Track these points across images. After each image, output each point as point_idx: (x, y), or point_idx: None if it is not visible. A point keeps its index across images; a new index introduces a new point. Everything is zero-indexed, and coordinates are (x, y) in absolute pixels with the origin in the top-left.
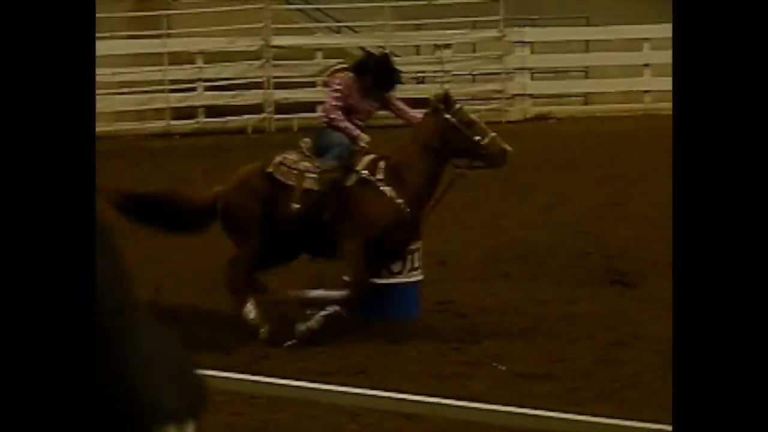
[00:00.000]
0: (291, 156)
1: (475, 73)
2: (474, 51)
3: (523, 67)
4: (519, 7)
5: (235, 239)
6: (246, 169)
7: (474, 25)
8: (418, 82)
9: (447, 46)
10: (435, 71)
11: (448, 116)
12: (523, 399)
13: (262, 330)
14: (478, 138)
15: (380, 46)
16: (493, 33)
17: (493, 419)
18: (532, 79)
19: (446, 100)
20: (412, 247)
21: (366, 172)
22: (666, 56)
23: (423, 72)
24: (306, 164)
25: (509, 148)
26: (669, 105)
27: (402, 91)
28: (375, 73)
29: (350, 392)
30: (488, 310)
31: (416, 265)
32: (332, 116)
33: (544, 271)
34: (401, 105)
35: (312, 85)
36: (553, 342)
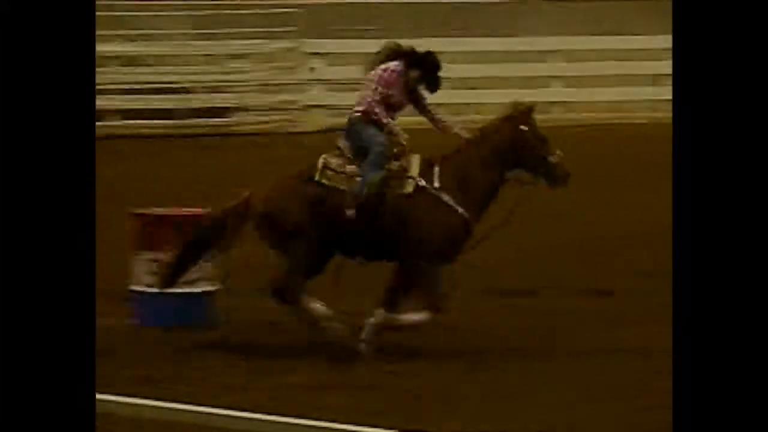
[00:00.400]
0: (333, 159)
1: (270, 83)
2: (270, 61)
3: (319, 79)
4: (316, 19)
5: (281, 248)
6: (287, 175)
7: (270, 36)
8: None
9: (243, 55)
10: (230, 81)
11: (524, 127)
12: (308, 410)
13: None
14: (548, 155)
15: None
16: (289, 44)
17: (272, 429)
18: (329, 90)
19: (528, 112)
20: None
21: (422, 180)
22: (459, 70)
23: (220, 81)
24: (352, 168)
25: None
26: (459, 118)
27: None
28: (427, 69)
29: (132, 403)
30: (277, 322)
31: (205, 275)
32: (376, 111)
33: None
34: (431, 110)
35: (105, 92)
36: (339, 355)
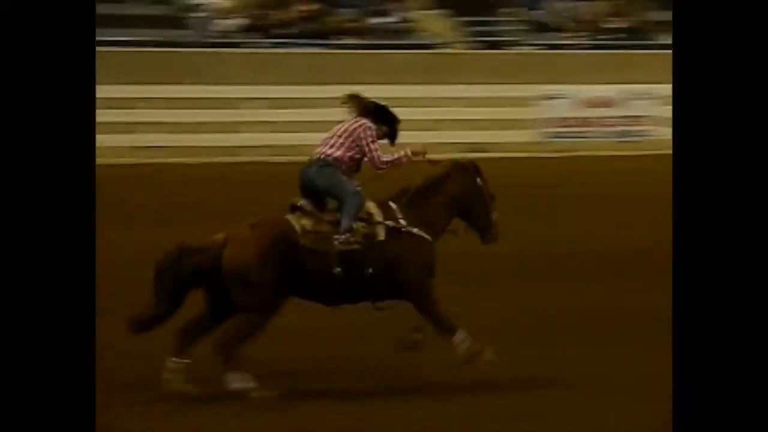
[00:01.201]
0: (305, 221)
1: None
2: None
3: None
4: None
5: (246, 305)
6: (262, 233)
7: None
8: None
9: None
10: None
11: (480, 182)
12: None
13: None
14: (492, 212)
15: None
16: None
17: None
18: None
19: (477, 168)
20: None
21: (390, 222)
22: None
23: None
24: (326, 227)
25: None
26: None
27: None
28: (391, 124)
29: None
30: None
31: None
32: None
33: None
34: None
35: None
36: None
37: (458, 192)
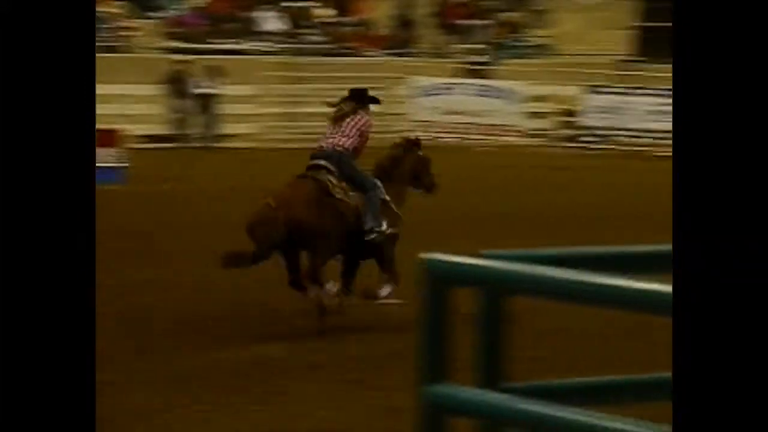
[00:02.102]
0: (333, 179)
1: None
2: None
3: None
4: None
5: (310, 248)
6: (305, 186)
7: None
8: None
9: None
10: None
11: (422, 154)
12: None
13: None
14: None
15: None
16: None
17: None
18: None
19: (418, 143)
20: None
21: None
22: None
23: None
24: (344, 185)
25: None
26: None
27: None
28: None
29: None
30: None
31: None
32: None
33: None
34: None
35: None
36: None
37: (412, 167)
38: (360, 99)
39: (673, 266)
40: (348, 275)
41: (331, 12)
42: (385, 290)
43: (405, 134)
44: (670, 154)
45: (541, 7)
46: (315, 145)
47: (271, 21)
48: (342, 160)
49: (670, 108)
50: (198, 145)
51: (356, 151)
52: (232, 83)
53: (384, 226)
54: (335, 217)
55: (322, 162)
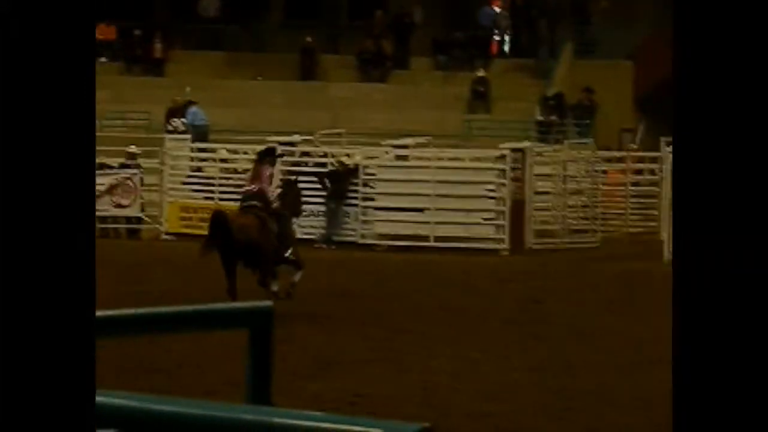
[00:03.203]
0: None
1: None
2: None
3: None
4: None
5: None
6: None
7: None
8: None
9: None
10: None
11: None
12: None
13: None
14: None
15: None
16: None
17: None
18: None
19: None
20: None
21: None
22: None
23: None
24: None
25: None
26: None
27: None
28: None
29: None
30: None
31: None
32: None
33: None
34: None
35: None
36: None
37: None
38: (269, 155)
39: (673, 266)
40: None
41: None
42: (297, 276)
43: None
44: None
45: None
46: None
47: None
48: (267, 199)
49: None
50: None
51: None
52: None
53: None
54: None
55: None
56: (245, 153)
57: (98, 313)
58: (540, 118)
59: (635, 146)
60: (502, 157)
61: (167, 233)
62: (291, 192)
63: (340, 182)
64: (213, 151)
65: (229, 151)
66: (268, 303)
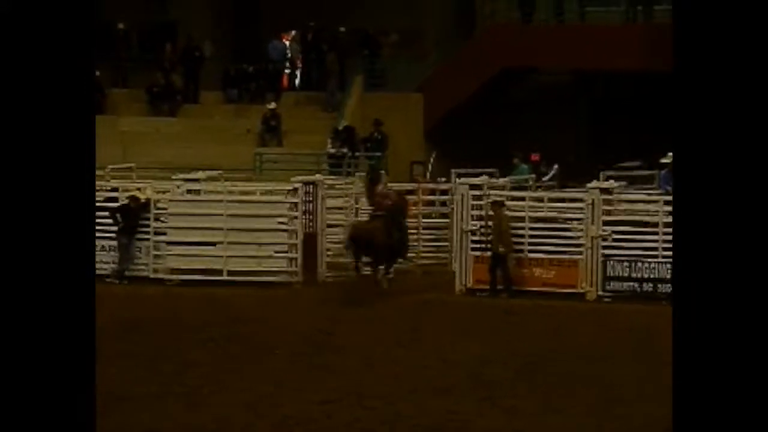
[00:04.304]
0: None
1: None
2: None
3: None
4: None
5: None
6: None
7: None
8: None
9: None
10: None
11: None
12: None
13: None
14: None
15: None
16: None
17: None
18: None
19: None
20: None
21: None
22: None
23: None
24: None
25: None
26: None
27: None
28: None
29: None
30: None
31: None
32: None
33: None
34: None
35: None
36: None
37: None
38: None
39: (673, 266)
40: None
41: None
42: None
43: None
44: None
45: None
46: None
47: None
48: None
49: None
50: None
51: None
52: None
53: None
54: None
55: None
56: None
57: None
58: (331, 150)
59: (426, 178)
60: (294, 190)
61: None
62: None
63: (131, 217)
64: None
65: None
66: None
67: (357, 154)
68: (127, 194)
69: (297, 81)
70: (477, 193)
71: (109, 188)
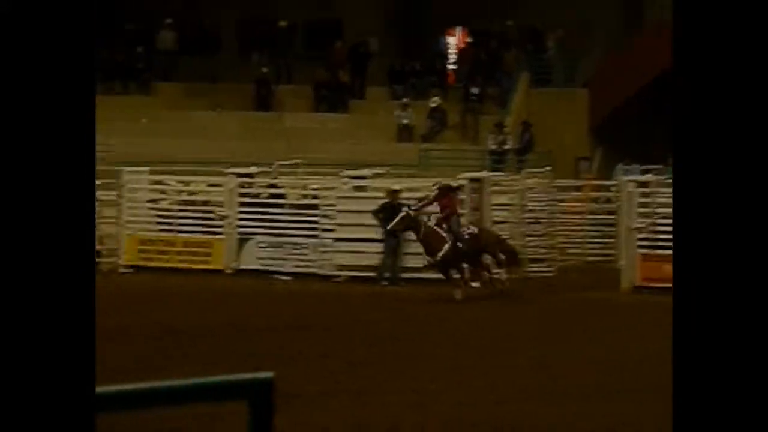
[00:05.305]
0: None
1: None
2: None
3: None
4: None
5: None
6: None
7: None
8: None
9: None
10: None
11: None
12: None
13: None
14: None
15: None
16: None
17: None
18: None
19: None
20: None
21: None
22: None
23: None
24: None
25: None
26: None
27: None
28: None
29: None
30: None
31: None
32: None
33: None
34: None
35: None
36: None
37: None
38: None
39: (673, 267)
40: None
41: None
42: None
43: None
44: None
45: None
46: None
47: None
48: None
49: None
50: None
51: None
52: None
53: None
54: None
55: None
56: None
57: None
58: (493, 147)
59: (591, 174)
60: (459, 187)
61: (125, 266)
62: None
63: (394, 216)
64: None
65: (185, 183)
66: (268, 375)
67: (521, 150)
68: (385, 191)
69: (463, 77)
70: (643, 190)
71: (266, 184)
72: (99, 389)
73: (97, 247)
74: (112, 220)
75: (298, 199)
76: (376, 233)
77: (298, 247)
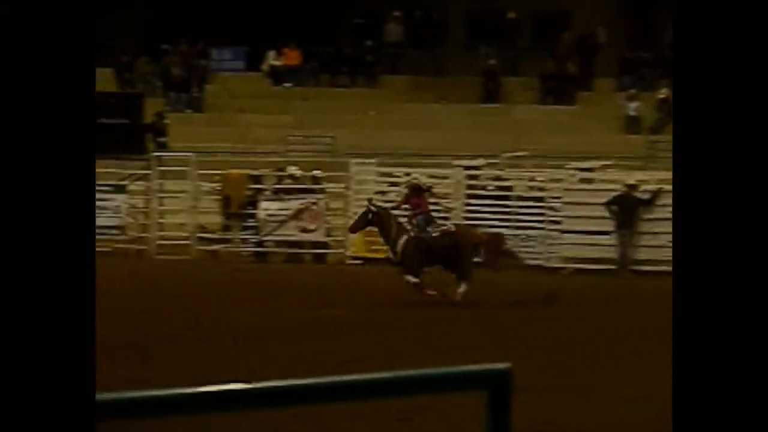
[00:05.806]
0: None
1: None
2: None
3: None
4: None
5: None
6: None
7: None
8: None
9: None
10: None
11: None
12: None
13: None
14: None
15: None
16: None
17: None
18: None
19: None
20: None
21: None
22: None
23: None
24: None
25: None
26: None
27: None
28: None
29: None
30: None
31: None
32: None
33: None
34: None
35: None
36: None
37: None
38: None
39: (674, 267)
40: None
41: None
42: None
43: None
44: None
45: None
46: None
47: None
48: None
49: None
50: None
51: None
52: None
53: None
54: None
55: None
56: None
57: (325, 380)
58: None
59: None
60: None
61: (353, 257)
62: None
63: (628, 208)
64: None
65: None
66: (505, 365)
67: None
68: (624, 183)
69: None
70: None
71: (493, 176)
72: (339, 378)
73: (325, 239)
74: (339, 212)
75: (524, 192)
76: (603, 225)
77: (524, 239)
